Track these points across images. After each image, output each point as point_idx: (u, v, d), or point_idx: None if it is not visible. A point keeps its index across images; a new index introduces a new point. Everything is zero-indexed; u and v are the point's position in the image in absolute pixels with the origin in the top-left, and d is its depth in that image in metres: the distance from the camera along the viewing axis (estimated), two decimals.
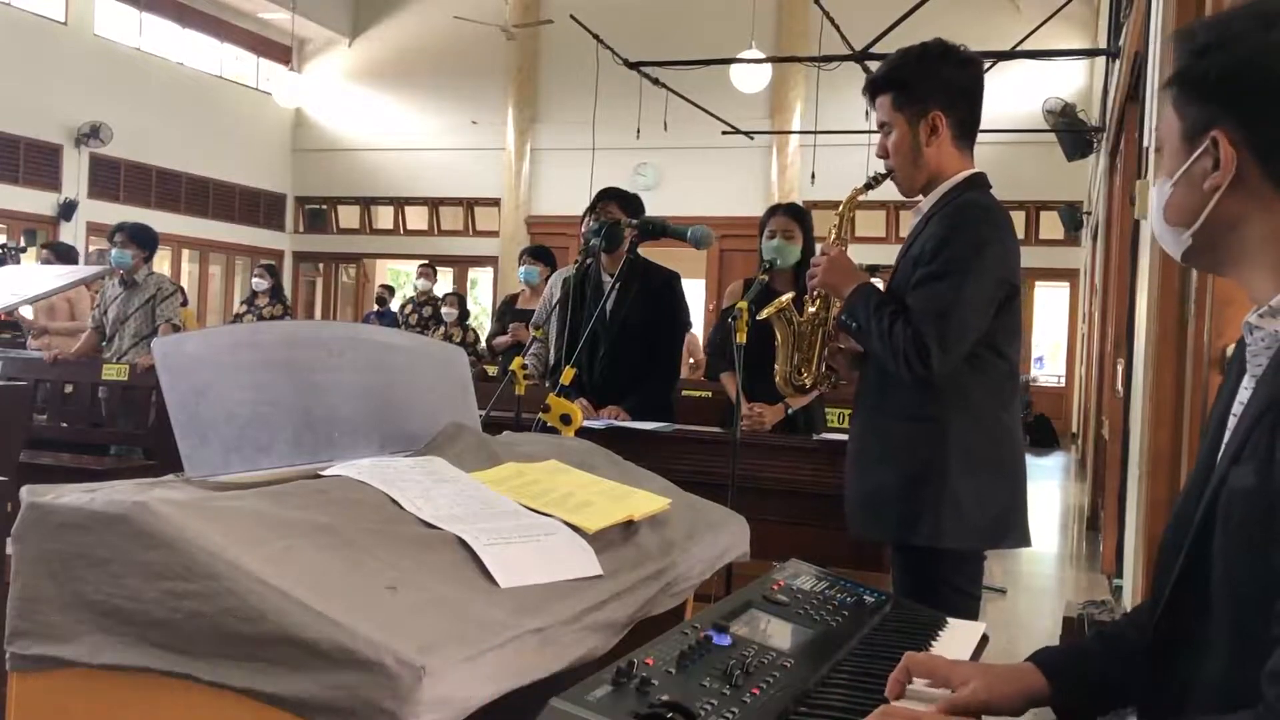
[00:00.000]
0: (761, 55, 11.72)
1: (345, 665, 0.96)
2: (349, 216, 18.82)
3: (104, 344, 6.25)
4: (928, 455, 2.27)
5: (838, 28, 8.40)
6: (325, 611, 0.99)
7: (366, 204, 18.60)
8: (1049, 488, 10.32)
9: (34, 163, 14.19)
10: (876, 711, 1.09)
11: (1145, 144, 3.98)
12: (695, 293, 15.26)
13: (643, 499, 1.55)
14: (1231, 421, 1.12)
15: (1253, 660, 0.96)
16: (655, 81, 10.91)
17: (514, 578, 1.20)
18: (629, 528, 1.46)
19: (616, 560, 1.36)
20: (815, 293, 2.54)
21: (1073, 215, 13.30)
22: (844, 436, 2.74)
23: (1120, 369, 5.42)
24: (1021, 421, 2.51)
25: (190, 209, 16.63)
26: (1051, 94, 11.08)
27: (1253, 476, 1.02)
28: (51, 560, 1.08)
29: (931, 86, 2.32)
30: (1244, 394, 1.12)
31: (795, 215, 3.74)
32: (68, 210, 14.42)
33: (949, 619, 1.60)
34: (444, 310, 8.67)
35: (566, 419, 2.46)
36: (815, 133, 12.78)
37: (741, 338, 2.94)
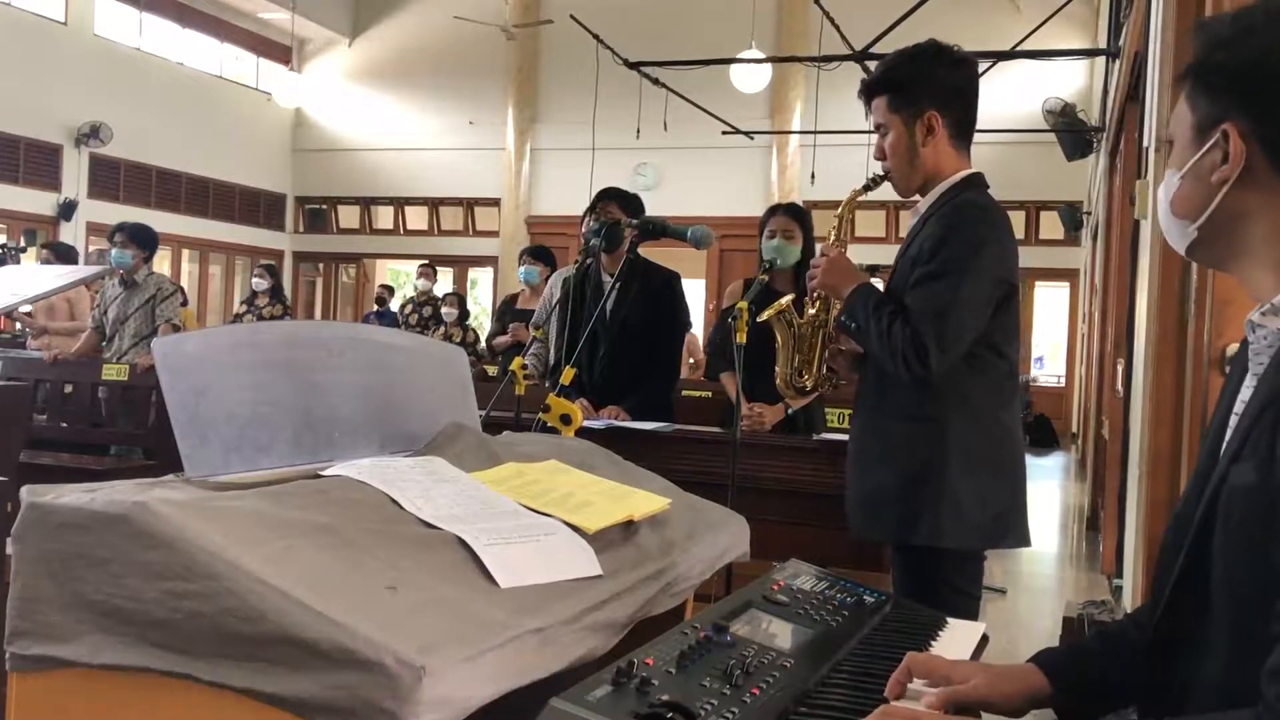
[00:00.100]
0: (761, 55, 11.73)
1: (345, 665, 0.96)
2: (349, 216, 18.82)
3: (104, 344, 6.25)
4: (927, 455, 2.27)
5: (838, 28, 8.40)
6: (325, 611, 0.99)
7: (366, 204, 18.60)
8: (1049, 488, 10.32)
9: (34, 163, 14.20)
10: (876, 711, 1.09)
11: (1145, 144, 3.98)
12: (695, 293, 15.26)
13: (643, 499, 1.55)
14: (1233, 420, 1.12)
15: (1253, 659, 0.96)
16: (655, 81, 10.91)
17: (514, 578, 1.20)
18: (629, 528, 1.46)
19: (616, 560, 1.36)
20: (815, 294, 2.54)
21: (1073, 215, 13.30)
22: (844, 436, 2.74)
23: (1120, 369, 5.42)
24: (1021, 421, 2.51)
25: (190, 209, 16.63)
26: (1051, 94, 11.09)
27: (1253, 474, 1.02)
28: (51, 560, 1.08)
29: (926, 87, 2.33)
30: (1246, 393, 1.12)
31: (795, 215, 3.75)
32: (68, 210, 14.42)
33: (949, 619, 1.60)
34: (444, 310, 8.67)
35: (566, 419, 2.46)
36: (815, 133, 12.78)
37: (741, 338, 2.94)
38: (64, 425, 5.65)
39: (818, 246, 2.72)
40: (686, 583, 1.51)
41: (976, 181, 2.37)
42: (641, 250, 3.18)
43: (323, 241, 18.93)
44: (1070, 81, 13.50)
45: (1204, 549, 1.08)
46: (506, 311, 6.60)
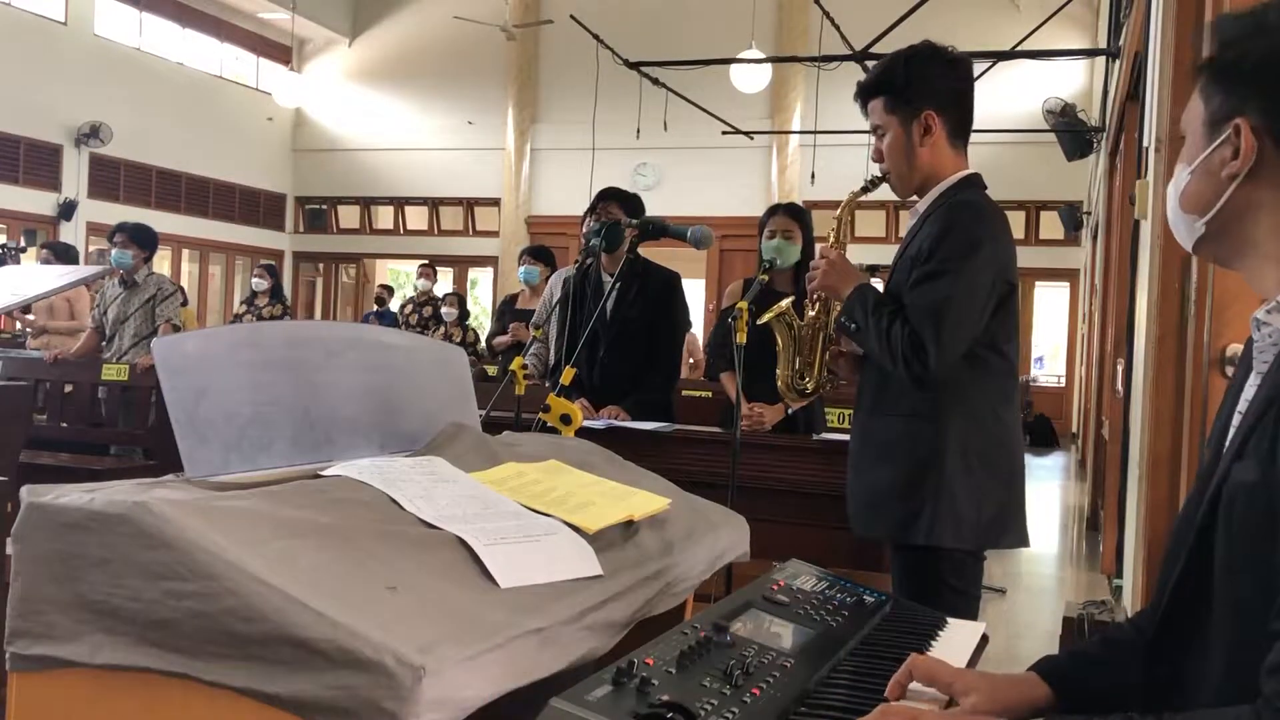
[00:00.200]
0: (761, 55, 11.72)
1: (345, 665, 0.96)
2: (349, 216, 18.82)
3: (104, 344, 6.25)
4: (927, 454, 2.28)
5: (838, 28, 8.41)
6: (325, 611, 0.99)
7: (366, 204, 18.60)
8: (1049, 488, 10.32)
9: (34, 163, 14.20)
10: (876, 710, 1.09)
11: (1145, 144, 3.98)
12: (695, 293, 15.26)
13: (643, 499, 1.55)
14: (1236, 419, 1.12)
15: (1253, 660, 0.96)
16: (655, 81, 10.91)
17: (514, 578, 1.20)
18: (629, 528, 1.46)
19: (616, 560, 1.36)
20: (814, 296, 2.54)
21: (1073, 215, 13.30)
22: (844, 436, 2.74)
23: (1120, 369, 5.42)
24: (1022, 421, 2.51)
25: (190, 209, 16.63)
26: (1051, 94, 11.08)
27: (1255, 471, 1.02)
28: (52, 560, 1.08)
29: (923, 87, 2.33)
30: (1250, 391, 1.12)
31: (795, 215, 3.74)
32: (68, 210, 14.42)
33: (949, 619, 1.60)
34: (444, 310, 8.67)
35: (566, 419, 2.45)
36: (815, 133, 12.78)
37: (741, 338, 2.95)
38: (64, 425, 5.65)
39: (817, 247, 2.72)
40: (686, 583, 1.51)
41: (974, 182, 2.37)
42: (641, 250, 3.18)
43: (323, 241, 18.93)
44: (1070, 81, 13.50)
45: (1206, 548, 1.08)
46: (506, 311, 6.60)
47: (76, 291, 7.35)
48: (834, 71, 9.11)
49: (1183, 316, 3.09)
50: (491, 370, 6.89)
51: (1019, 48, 8.90)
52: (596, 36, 10.01)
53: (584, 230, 4.06)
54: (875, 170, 2.45)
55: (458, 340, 8.05)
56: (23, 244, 7.60)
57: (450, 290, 10.84)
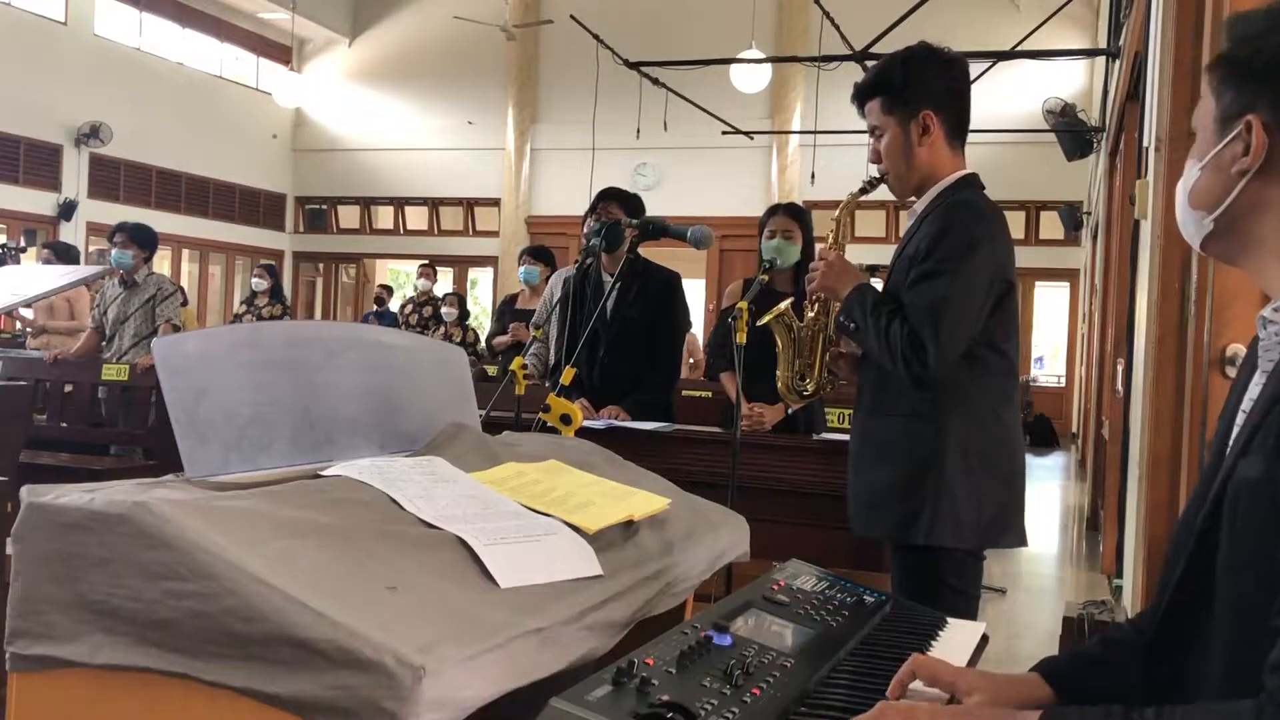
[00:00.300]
0: (761, 55, 11.72)
1: (345, 665, 0.96)
2: (349, 216, 18.83)
3: (104, 344, 6.25)
4: (926, 453, 2.28)
5: (838, 28, 8.41)
6: (325, 611, 0.99)
7: (366, 204, 18.60)
8: (1049, 488, 10.32)
9: (34, 163, 14.20)
10: (875, 708, 1.09)
11: (1145, 144, 3.98)
12: (695, 293, 15.26)
13: (643, 499, 1.55)
14: (1240, 418, 1.12)
15: (1255, 659, 0.96)
16: (655, 81, 10.92)
17: (514, 578, 1.20)
18: (629, 528, 1.46)
19: (616, 560, 1.36)
20: (814, 298, 2.55)
21: (1073, 215, 13.30)
22: (844, 436, 2.74)
23: (1120, 369, 5.42)
24: (1022, 421, 2.51)
25: (190, 209, 16.63)
26: (1051, 94, 11.08)
27: (1260, 468, 1.02)
28: (52, 560, 1.08)
29: (920, 88, 2.34)
30: (1254, 390, 1.12)
31: (795, 215, 3.75)
32: (68, 210, 14.42)
33: (949, 619, 1.60)
34: (444, 310, 8.68)
35: (566, 419, 2.45)
36: (815, 133, 12.78)
37: (741, 338, 2.95)
38: (64, 425, 5.65)
39: (817, 247, 2.72)
40: (686, 583, 1.51)
41: (972, 181, 2.38)
42: (641, 250, 3.18)
43: (323, 241, 18.93)
44: (1070, 81, 13.50)
45: (1209, 546, 1.08)
46: (506, 311, 6.60)
47: (76, 291, 7.35)
48: (834, 71, 9.11)
49: (1183, 316, 3.09)
50: (491, 370, 6.89)
51: (1019, 48, 8.91)
52: (596, 36, 10.01)
53: (585, 230, 4.07)
54: (874, 171, 2.46)
55: (458, 340, 8.05)
56: (23, 244, 7.60)
57: (450, 290, 10.85)
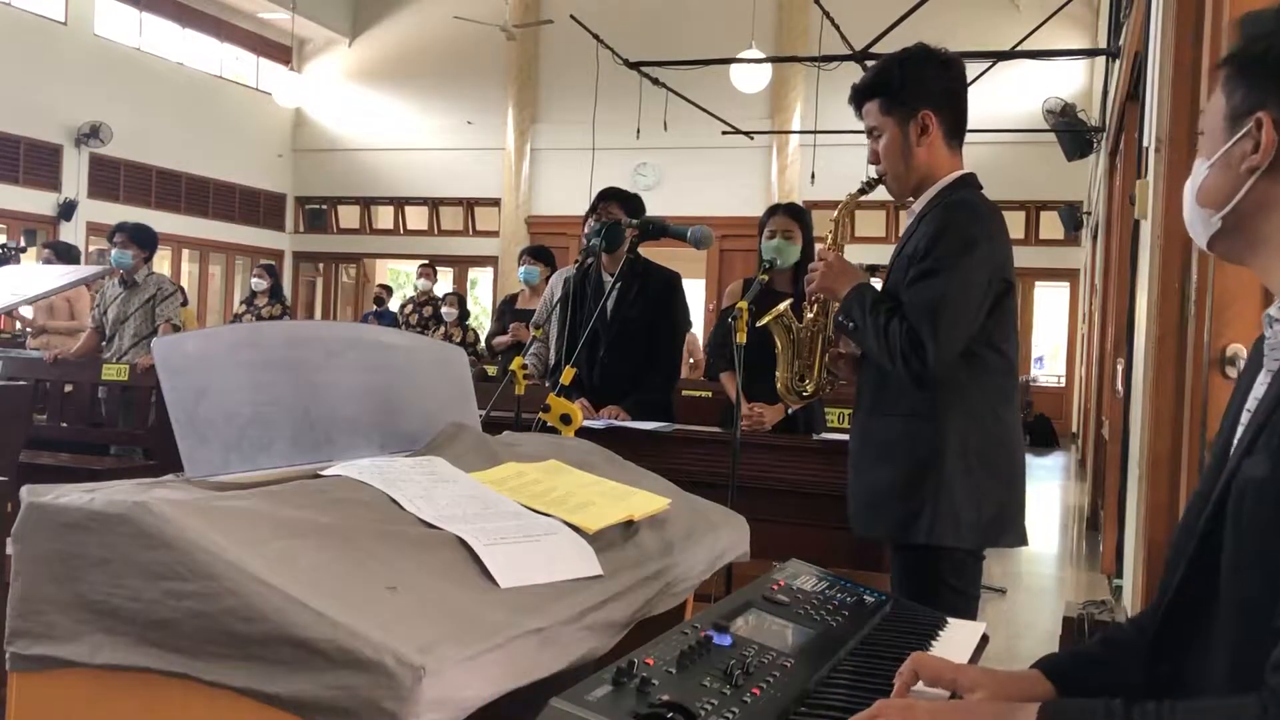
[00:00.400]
0: (761, 55, 11.72)
1: (345, 665, 0.96)
2: (349, 216, 18.83)
3: (104, 344, 6.25)
4: (926, 453, 2.28)
5: (838, 28, 8.41)
6: (325, 611, 0.99)
7: (366, 204, 18.60)
8: (1049, 488, 10.31)
9: (34, 163, 14.19)
10: (873, 705, 1.09)
11: (1145, 144, 3.98)
12: (695, 293, 15.26)
13: (643, 499, 1.55)
14: (1245, 417, 1.12)
15: (1259, 659, 0.96)
16: (655, 81, 10.92)
17: (514, 578, 1.20)
18: (629, 528, 1.46)
19: (616, 560, 1.36)
20: (813, 299, 2.55)
21: (1073, 215, 13.30)
22: (844, 436, 2.74)
23: (1120, 369, 5.42)
24: (1022, 421, 2.51)
25: (190, 209, 16.63)
26: (1051, 94, 11.08)
27: (1265, 467, 1.02)
28: (52, 560, 1.08)
29: (918, 88, 2.34)
30: (1260, 389, 1.12)
31: (795, 215, 3.75)
32: (68, 210, 14.42)
33: (949, 619, 1.60)
34: (444, 310, 8.68)
35: (566, 419, 2.46)
36: (815, 132, 12.78)
37: (741, 338, 2.95)
38: (64, 425, 5.65)
39: (817, 247, 2.73)
40: (686, 583, 1.51)
41: (970, 181, 2.39)
42: (641, 250, 3.18)
43: (323, 241, 18.93)
44: (1070, 81, 13.50)
45: (1212, 546, 1.08)
46: (506, 311, 6.60)
47: (76, 291, 7.35)
48: (834, 71, 9.10)
49: (1183, 316, 3.09)
50: (491, 370, 6.89)
51: (1019, 48, 8.91)
52: (596, 36, 10.01)
53: (585, 231, 4.07)
54: (874, 171, 2.46)
55: (458, 340, 8.05)
56: (23, 244, 7.59)
57: (450, 290, 10.85)
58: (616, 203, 3.94)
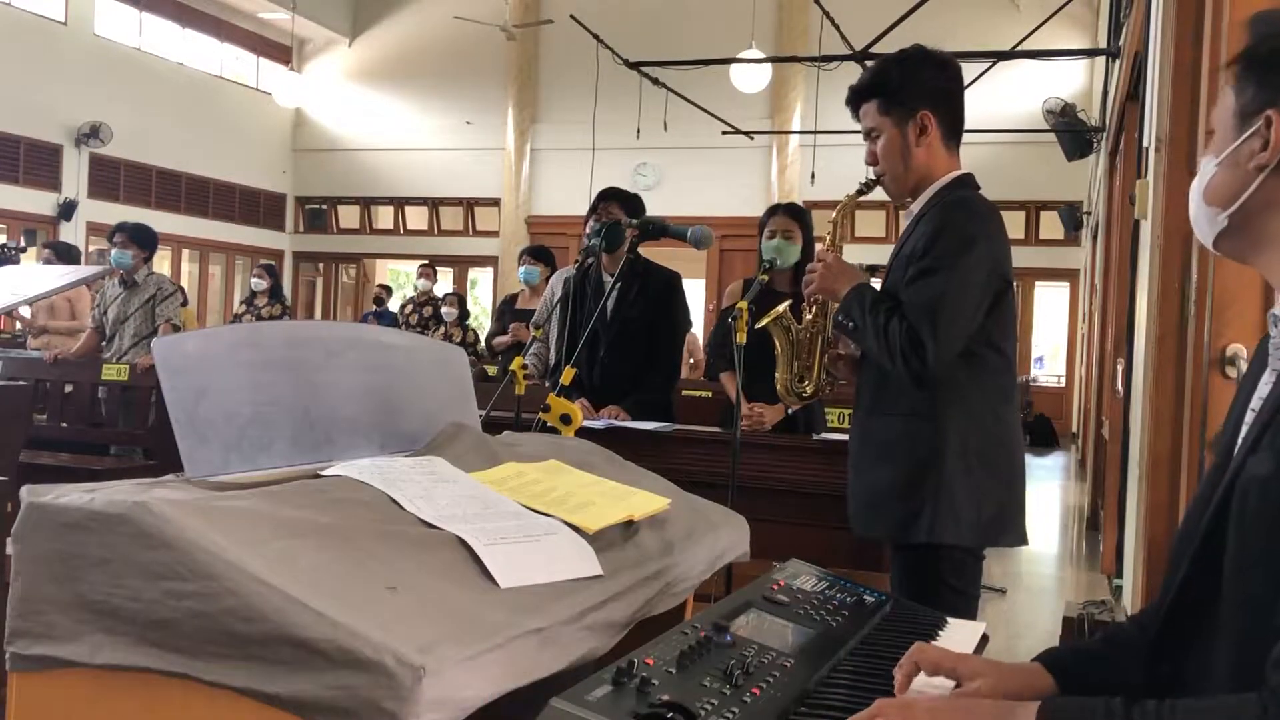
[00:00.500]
0: (761, 55, 11.72)
1: (345, 665, 0.96)
2: (349, 216, 18.83)
3: (104, 344, 6.25)
4: (926, 453, 2.28)
5: (838, 28, 8.41)
6: (325, 611, 0.99)
7: (366, 204, 18.60)
8: (1049, 488, 10.31)
9: (34, 163, 14.19)
10: (873, 704, 1.09)
11: (1145, 144, 3.98)
12: (695, 293, 15.26)
13: (643, 499, 1.55)
14: (1249, 415, 1.12)
15: (1262, 657, 0.96)
16: (655, 81, 10.92)
17: (514, 578, 1.20)
18: (629, 528, 1.46)
19: (616, 560, 1.36)
20: (812, 299, 2.55)
21: (1073, 215, 13.30)
22: (844, 436, 2.74)
23: (1120, 369, 5.42)
24: (1021, 421, 2.51)
25: (190, 209, 16.63)
26: (1051, 94, 11.08)
27: (1270, 465, 1.02)
28: (52, 560, 1.08)
29: (916, 88, 2.35)
30: (1264, 388, 1.12)
31: (795, 215, 3.74)
32: (68, 210, 14.42)
33: (949, 619, 1.60)
34: (444, 310, 8.68)
35: (566, 419, 2.46)
36: (815, 133, 12.78)
37: (741, 338, 2.95)
38: (64, 425, 5.65)
39: (816, 247, 2.73)
40: (686, 583, 1.51)
41: (968, 181, 2.39)
42: (641, 250, 3.18)
43: (323, 241, 18.93)
44: (1070, 81, 13.50)
45: (1215, 545, 1.08)
46: (506, 311, 6.60)
47: (77, 291, 7.35)
48: (834, 71, 9.10)
49: (1183, 316, 3.09)
50: (491, 370, 6.89)
51: (1019, 48, 8.90)
52: (596, 36, 10.01)
53: (586, 231, 4.06)
54: (873, 172, 2.46)
55: (458, 340, 8.05)
56: (23, 244, 7.59)
57: (450, 290, 10.85)
58: (617, 203, 3.94)
